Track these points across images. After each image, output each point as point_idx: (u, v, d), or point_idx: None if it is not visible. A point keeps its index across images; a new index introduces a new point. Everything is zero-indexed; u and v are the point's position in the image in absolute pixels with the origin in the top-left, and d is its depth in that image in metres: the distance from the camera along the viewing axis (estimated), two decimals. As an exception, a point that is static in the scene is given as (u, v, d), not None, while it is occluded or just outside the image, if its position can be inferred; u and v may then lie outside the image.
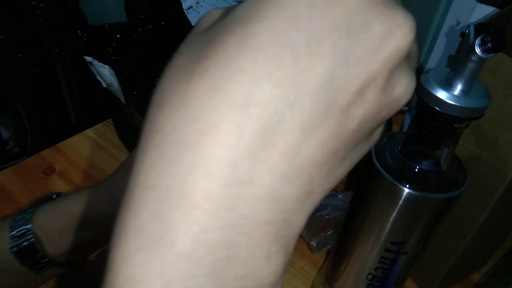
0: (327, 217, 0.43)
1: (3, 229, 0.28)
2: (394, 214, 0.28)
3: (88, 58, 0.45)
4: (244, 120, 0.11)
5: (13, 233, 0.28)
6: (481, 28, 0.22)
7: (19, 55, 0.93)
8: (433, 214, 0.28)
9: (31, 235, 0.28)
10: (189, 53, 0.12)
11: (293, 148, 0.11)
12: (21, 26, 0.88)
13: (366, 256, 0.31)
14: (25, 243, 0.28)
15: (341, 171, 0.13)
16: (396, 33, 0.12)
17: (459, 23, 0.40)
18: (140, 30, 0.52)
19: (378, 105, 0.12)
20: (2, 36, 0.89)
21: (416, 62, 0.14)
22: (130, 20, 0.52)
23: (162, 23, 0.51)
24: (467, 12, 0.39)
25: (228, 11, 0.13)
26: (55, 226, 0.28)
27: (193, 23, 0.41)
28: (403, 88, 0.13)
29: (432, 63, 0.49)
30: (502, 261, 0.37)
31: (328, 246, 0.43)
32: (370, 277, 0.32)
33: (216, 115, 0.11)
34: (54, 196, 0.31)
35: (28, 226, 0.28)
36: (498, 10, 0.36)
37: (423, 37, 0.61)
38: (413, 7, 0.59)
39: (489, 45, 0.21)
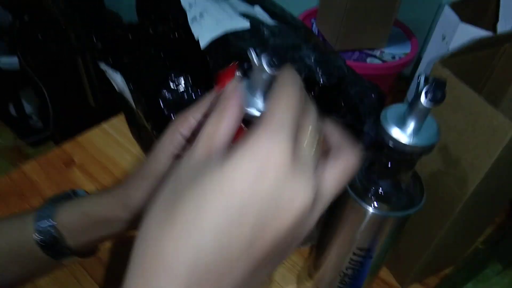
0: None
1: (28, 221, 0.33)
2: (359, 227, 0.32)
3: (103, 66, 0.49)
4: None
5: (38, 227, 0.32)
6: (429, 80, 0.25)
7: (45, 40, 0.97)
8: (393, 227, 0.32)
9: (54, 230, 0.33)
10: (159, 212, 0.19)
11: None
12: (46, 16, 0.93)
13: (338, 258, 0.36)
14: (49, 237, 0.33)
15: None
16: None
17: (444, 38, 0.42)
18: (151, 30, 0.55)
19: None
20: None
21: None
22: (141, 21, 0.56)
23: (171, 25, 0.54)
24: (452, 29, 0.40)
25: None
26: (76, 225, 0.33)
27: (195, 36, 0.44)
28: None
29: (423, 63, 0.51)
30: (468, 258, 0.41)
31: (313, 241, 0.48)
32: (342, 274, 0.37)
33: None
34: (70, 192, 0.36)
35: (51, 222, 0.33)
36: (479, 30, 0.38)
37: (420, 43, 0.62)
38: (408, 10, 0.60)
39: (430, 98, 0.24)
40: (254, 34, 0.44)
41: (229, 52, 0.42)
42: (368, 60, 0.58)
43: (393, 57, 0.59)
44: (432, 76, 0.25)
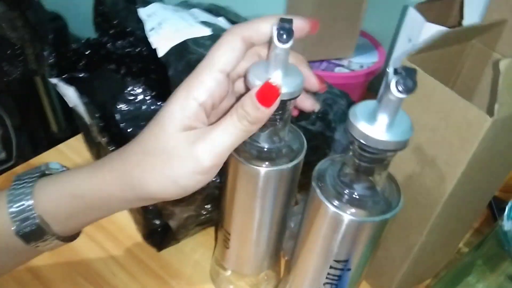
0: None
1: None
2: (335, 236, 0.29)
3: (53, 80, 0.46)
4: None
5: (12, 209, 0.27)
6: (397, 69, 0.23)
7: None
8: (371, 234, 0.29)
9: (35, 215, 0.27)
10: None
11: None
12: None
13: (314, 272, 0.33)
14: (31, 227, 0.27)
15: None
16: None
17: (410, 40, 0.41)
18: (110, 46, 0.52)
19: None
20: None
21: None
22: (100, 37, 0.53)
23: (131, 39, 0.52)
24: (418, 30, 0.40)
25: None
26: (64, 209, 0.28)
27: (153, 46, 0.42)
28: None
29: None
30: (449, 267, 0.39)
31: (287, 256, 0.45)
32: (320, 291, 0.34)
33: None
34: (44, 167, 0.31)
35: (30, 202, 0.27)
36: (445, 29, 0.37)
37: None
38: (373, 20, 0.61)
39: (400, 88, 0.22)
40: (214, 40, 0.42)
41: (189, 59, 0.39)
42: (336, 69, 0.58)
43: (361, 66, 0.58)
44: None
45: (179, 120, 0.26)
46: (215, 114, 0.29)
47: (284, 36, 0.25)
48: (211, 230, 0.48)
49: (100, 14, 0.52)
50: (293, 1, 0.58)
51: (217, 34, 0.44)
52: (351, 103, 0.47)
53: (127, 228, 0.47)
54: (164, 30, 0.43)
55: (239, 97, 0.27)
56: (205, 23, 0.46)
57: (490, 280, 0.29)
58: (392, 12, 0.64)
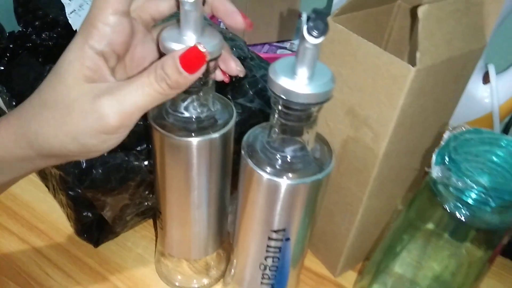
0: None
1: None
2: (268, 204, 0.28)
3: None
4: None
5: None
6: (309, 16, 0.22)
7: None
8: (306, 198, 0.28)
9: None
10: None
11: None
12: None
13: (253, 246, 0.31)
14: None
15: None
16: None
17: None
18: (35, 37, 0.49)
19: None
20: None
21: None
22: (24, 29, 0.50)
23: (59, 29, 0.49)
24: None
25: None
26: None
27: (74, 27, 0.40)
28: None
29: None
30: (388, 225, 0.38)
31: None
32: (262, 267, 0.32)
33: None
34: None
35: None
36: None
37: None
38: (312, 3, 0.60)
39: (313, 31, 0.21)
40: None
41: None
42: (279, 51, 0.57)
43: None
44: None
45: (78, 71, 0.23)
46: (133, 66, 0.27)
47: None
48: (150, 221, 0.46)
49: (20, 4, 0.48)
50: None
51: None
52: None
53: (61, 226, 0.44)
54: (85, 11, 0.41)
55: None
56: None
57: (423, 233, 0.29)
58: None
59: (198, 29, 0.26)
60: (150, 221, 0.46)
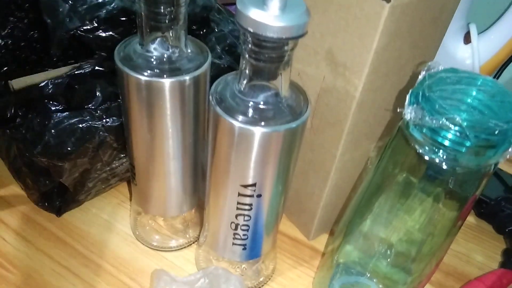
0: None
1: None
2: (238, 155, 0.26)
3: None
4: None
5: None
6: None
7: None
8: (278, 149, 0.27)
9: None
10: None
11: None
12: None
13: (223, 203, 0.30)
14: None
15: None
16: None
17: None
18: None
19: None
20: None
21: None
22: None
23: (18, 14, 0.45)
24: None
25: None
26: None
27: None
28: None
29: None
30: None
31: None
32: (233, 226, 0.31)
33: None
34: None
35: None
36: None
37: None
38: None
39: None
40: None
41: None
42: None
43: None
44: None
45: None
46: None
47: None
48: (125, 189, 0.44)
49: None
50: None
51: None
52: None
53: (21, 192, 0.41)
54: None
55: None
56: None
57: (396, 185, 0.28)
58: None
59: None
60: (118, 186, 0.43)
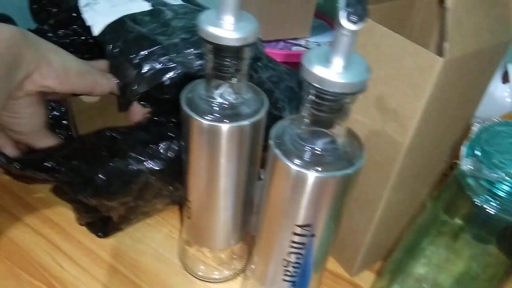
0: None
1: None
2: (294, 197, 0.28)
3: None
4: None
5: None
6: (347, 1, 0.22)
7: None
8: (334, 193, 0.28)
9: None
10: None
11: None
12: None
13: (277, 241, 0.31)
14: None
15: None
16: None
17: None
18: (51, 35, 0.49)
19: None
20: None
21: None
22: (40, 26, 0.49)
23: (75, 26, 0.49)
24: None
25: None
26: None
27: (87, 23, 0.39)
28: None
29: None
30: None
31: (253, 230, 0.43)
32: (285, 262, 0.32)
33: None
34: None
35: None
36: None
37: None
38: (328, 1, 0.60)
39: (351, 17, 0.21)
40: (154, 16, 0.40)
41: (126, 38, 0.37)
42: (294, 48, 0.57)
43: (319, 45, 0.58)
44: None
45: None
46: None
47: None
48: (166, 215, 0.45)
49: (35, 1, 0.48)
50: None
51: (157, 8, 0.42)
52: (300, 81, 0.46)
53: (73, 219, 0.43)
54: (100, 5, 0.41)
55: None
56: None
57: (449, 229, 0.29)
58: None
59: (235, 13, 0.26)
60: (165, 215, 0.45)
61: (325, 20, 0.63)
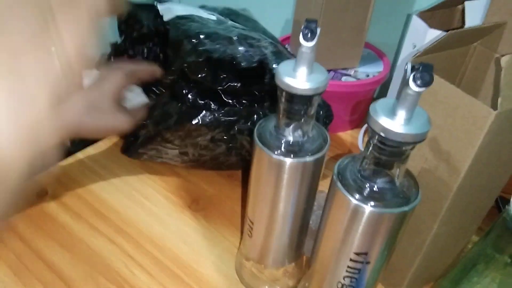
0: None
1: None
2: (354, 228, 0.31)
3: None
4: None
5: None
6: (415, 65, 0.25)
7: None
8: (390, 226, 0.31)
9: None
10: None
11: None
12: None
13: (334, 265, 0.34)
14: None
15: None
16: None
17: (415, 47, 0.44)
18: (131, 52, 0.55)
19: None
20: None
21: None
22: (124, 42, 0.56)
23: (155, 40, 0.55)
24: (421, 37, 0.42)
25: None
26: None
27: (161, 13, 0.50)
28: None
29: (394, 84, 0.53)
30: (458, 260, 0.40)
31: (306, 253, 0.46)
32: (340, 285, 0.35)
33: None
34: None
35: None
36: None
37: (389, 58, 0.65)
38: (377, 31, 0.64)
39: (418, 81, 0.24)
40: (217, 23, 0.49)
41: (189, 26, 0.47)
42: (343, 78, 0.60)
43: (367, 75, 0.61)
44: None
45: None
46: None
47: (309, 35, 0.28)
48: (226, 233, 0.50)
49: (123, 22, 0.55)
50: (301, 13, 0.61)
51: (221, 21, 0.51)
52: (329, 113, 0.51)
53: (144, 230, 0.49)
54: (177, 7, 0.51)
55: None
56: (211, 14, 0.53)
57: (497, 265, 0.31)
58: (395, 23, 0.68)
59: (309, 66, 0.30)
60: (225, 233, 0.49)
61: (374, 50, 0.66)
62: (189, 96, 0.47)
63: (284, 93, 0.31)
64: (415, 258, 0.40)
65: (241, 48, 0.46)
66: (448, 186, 0.34)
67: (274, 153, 0.34)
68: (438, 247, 0.39)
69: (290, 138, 0.34)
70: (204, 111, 0.46)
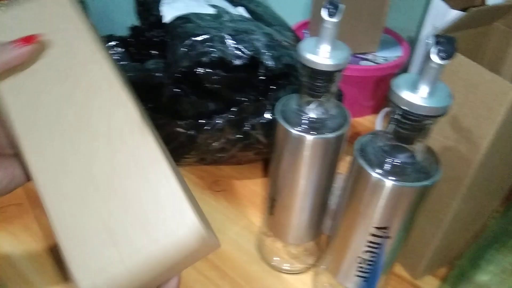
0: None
1: None
2: (375, 202, 0.32)
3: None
4: None
5: None
6: (438, 38, 0.26)
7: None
8: (411, 201, 0.32)
9: None
10: None
11: None
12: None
13: (355, 240, 0.35)
14: None
15: None
16: None
17: (435, 28, 0.44)
18: (146, 33, 0.57)
19: None
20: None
21: None
22: (142, 25, 0.58)
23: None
24: (442, 18, 0.43)
25: None
26: None
27: (161, 13, 0.51)
28: None
29: (413, 69, 0.53)
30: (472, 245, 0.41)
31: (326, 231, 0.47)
32: (360, 260, 0.36)
33: None
34: None
35: None
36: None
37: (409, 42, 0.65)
38: (396, 16, 0.64)
39: (441, 54, 0.25)
40: (214, 18, 0.50)
41: (186, 27, 0.48)
42: (362, 63, 0.60)
43: (386, 60, 0.61)
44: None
45: None
46: None
47: (333, 11, 0.28)
48: (245, 211, 0.51)
49: (140, 4, 0.57)
50: (319, -1, 0.61)
51: (219, 14, 0.52)
52: (339, 94, 0.51)
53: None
54: (176, 4, 0.51)
55: None
56: (214, 5, 0.54)
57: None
58: (415, 8, 0.67)
59: (332, 42, 0.31)
60: (244, 211, 0.51)
61: (393, 35, 0.66)
62: (192, 107, 0.48)
63: (306, 70, 0.32)
64: (433, 238, 0.40)
65: (232, 46, 0.46)
66: (468, 163, 0.34)
67: (295, 129, 0.35)
68: (457, 226, 0.40)
69: (312, 115, 0.35)
70: (211, 119, 0.47)
